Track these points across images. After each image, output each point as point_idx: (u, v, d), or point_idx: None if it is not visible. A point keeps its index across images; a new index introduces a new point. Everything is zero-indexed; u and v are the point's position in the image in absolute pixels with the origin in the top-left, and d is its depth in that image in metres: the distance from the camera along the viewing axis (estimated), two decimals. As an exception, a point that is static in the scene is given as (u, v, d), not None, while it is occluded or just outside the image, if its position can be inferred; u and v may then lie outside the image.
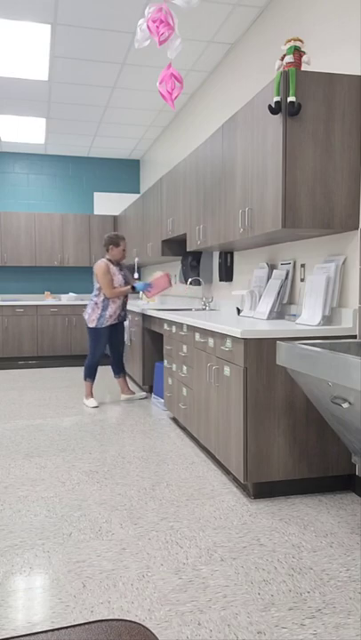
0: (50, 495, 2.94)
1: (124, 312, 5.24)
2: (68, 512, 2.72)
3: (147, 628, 1.71)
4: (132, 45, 4.77)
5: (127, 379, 6.20)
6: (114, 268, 5.10)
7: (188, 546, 2.36)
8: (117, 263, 5.19)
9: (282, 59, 2.99)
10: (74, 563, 2.21)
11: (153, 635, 1.68)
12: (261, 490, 2.90)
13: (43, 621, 1.80)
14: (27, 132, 7.34)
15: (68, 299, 8.26)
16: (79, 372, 7.35)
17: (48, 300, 8.24)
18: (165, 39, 2.79)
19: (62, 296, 8.36)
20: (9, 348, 7.87)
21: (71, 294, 8.33)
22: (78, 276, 8.76)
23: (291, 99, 2.81)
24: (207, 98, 5.50)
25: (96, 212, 8.72)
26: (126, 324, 6.37)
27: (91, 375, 5.25)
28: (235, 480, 3.14)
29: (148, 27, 2.81)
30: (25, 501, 2.85)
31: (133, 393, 5.42)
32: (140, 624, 1.76)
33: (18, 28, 4.48)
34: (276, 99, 2.86)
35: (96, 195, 8.74)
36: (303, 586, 2.04)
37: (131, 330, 6.18)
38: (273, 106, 2.87)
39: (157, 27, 2.82)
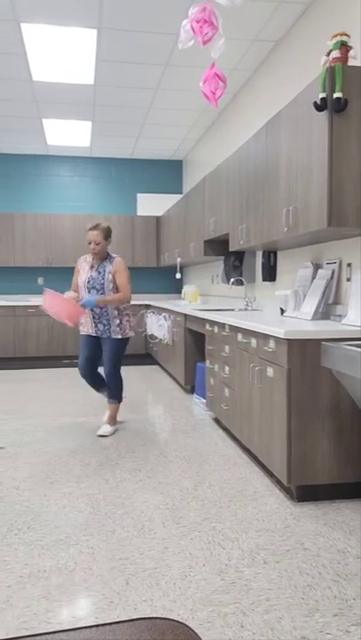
0: (94, 492, 2.98)
1: (102, 326, 4.17)
2: (111, 509, 2.75)
3: (190, 628, 1.71)
4: (175, 46, 4.79)
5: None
6: (82, 264, 4.25)
7: (230, 547, 2.35)
8: (95, 258, 4.19)
9: (328, 54, 2.94)
10: (117, 560, 2.24)
11: (196, 635, 1.68)
12: (305, 493, 2.86)
13: (87, 616, 1.83)
14: (73, 135, 7.48)
15: (111, 299, 8.36)
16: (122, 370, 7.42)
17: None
18: (209, 39, 2.79)
19: (106, 296, 8.47)
20: (54, 347, 8.04)
21: (114, 294, 8.42)
22: (121, 277, 8.85)
23: (337, 95, 2.76)
24: (251, 97, 5.46)
25: (139, 214, 8.80)
26: (166, 324, 6.38)
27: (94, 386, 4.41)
28: (278, 482, 3.10)
29: (192, 27, 2.81)
30: (70, 497, 2.91)
31: (116, 424, 4.35)
32: (183, 623, 1.77)
33: (65, 34, 4.57)
34: (322, 95, 2.81)
35: (139, 196, 8.82)
36: (349, 592, 1.99)
37: (173, 330, 6.20)
38: (318, 102, 2.82)
39: (201, 27, 2.81)
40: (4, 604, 1.91)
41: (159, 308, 7.12)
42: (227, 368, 3.92)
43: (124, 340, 4.24)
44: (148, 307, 8.12)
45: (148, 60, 5.12)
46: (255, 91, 5.32)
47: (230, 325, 3.82)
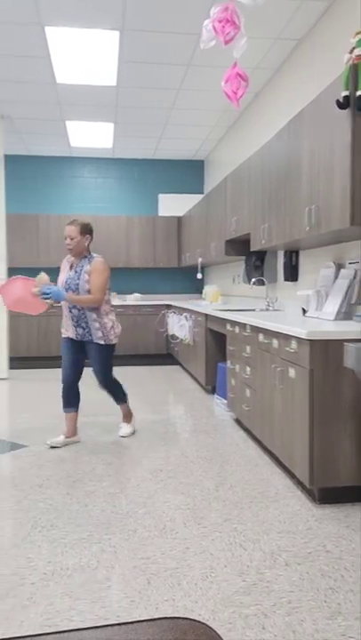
0: (115, 491, 3.00)
1: (82, 329, 3.90)
2: (133, 509, 2.77)
3: (212, 629, 1.71)
4: (197, 46, 4.79)
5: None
6: (64, 263, 4.04)
7: (251, 549, 2.34)
8: (75, 257, 3.94)
9: (350, 52, 2.91)
10: (139, 559, 2.25)
11: (218, 635, 1.68)
12: (327, 495, 2.83)
13: (109, 615, 1.85)
14: (95, 136, 7.54)
15: (132, 299, 8.41)
16: (142, 371, 7.46)
17: (114, 300, 8.43)
18: (231, 38, 2.78)
19: (127, 296, 8.52)
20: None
21: (136, 294, 8.47)
22: (143, 277, 8.89)
23: (360, 92, 2.73)
24: (273, 96, 5.43)
25: (161, 214, 8.82)
26: (187, 324, 6.38)
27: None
28: (299, 484, 3.08)
29: (214, 27, 2.81)
30: (92, 496, 2.93)
31: (75, 435, 4.01)
32: (205, 624, 1.77)
33: (88, 37, 4.61)
34: (345, 93, 2.78)
35: (161, 196, 8.84)
36: (372, 596, 1.97)
37: (194, 330, 6.20)
38: (341, 101, 2.79)
39: (223, 26, 2.81)
40: (28, 600, 1.94)
41: (180, 308, 7.13)
42: (248, 369, 3.91)
43: (107, 347, 3.92)
44: (169, 307, 8.14)
45: (171, 61, 5.13)
46: (277, 90, 5.29)
47: (252, 326, 3.80)
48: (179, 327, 6.93)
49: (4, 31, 4.51)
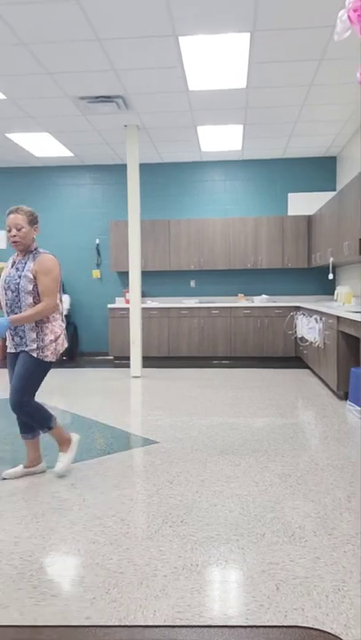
0: (243, 493, 3.01)
1: (18, 339, 3.21)
2: (261, 512, 2.75)
3: (343, 645, 1.65)
4: (330, 39, 4.64)
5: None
6: (9, 260, 3.35)
7: (388, 566, 2.21)
8: (19, 251, 3.27)
9: None
10: (267, 564, 2.23)
11: (350, 653, 1.61)
12: None
13: (237, 616, 1.86)
14: (225, 140, 7.63)
15: (260, 300, 8.36)
16: (270, 373, 7.37)
17: (241, 301, 8.45)
18: (369, 28, 2.64)
19: (255, 298, 8.49)
20: (204, 348, 8.28)
21: (264, 296, 8.41)
22: (271, 278, 8.80)
23: None
24: None
25: (290, 213, 8.67)
26: (317, 327, 6.18)
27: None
28: None
29: (349, 17, 2.69)
30: (220, 496, 2.97)
31: (39, 464, 3.39)
32: (339, 638, 1.71)
33: (219, 42, 4.68)
34: None
35: (290, 195, 8.68)
36: None
37: (324, 333, 6.00)
38: None
39: (359, 15, 2.68)
40: (161, 592, 2.02)
41: (310, 309, 6.93)
42: (385, 375, 3.69)
43: (38, 363, 3.16)
44: (298, 309, 7.97)
45: (302, 57, 5.02)
46: None
47: (389, 330, 3.58)
48: (308, 329, 6.75)
49: (141, 45, 4.74)
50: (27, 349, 3.16)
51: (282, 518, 2.68)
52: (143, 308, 8.22)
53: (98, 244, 9.03)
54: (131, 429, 4.46)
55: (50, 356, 3.20)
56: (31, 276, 3.14)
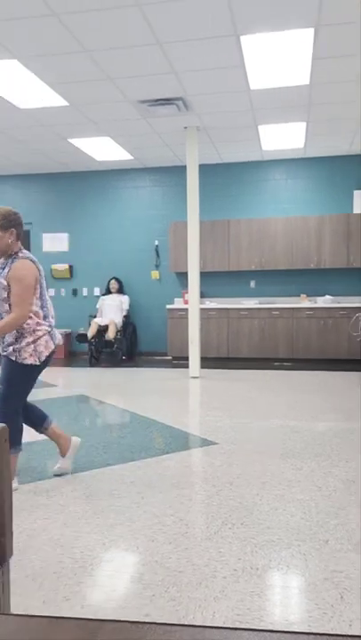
0: (305, 498, 2.93)
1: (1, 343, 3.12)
2: (323, 518, 2.67)
3: None
4: None
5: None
6: None
7: None
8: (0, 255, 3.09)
9: None
10: (330, 571, 2.16)
11: None
12: None
13: (299, 622, 1.81)
14: (287, 138, 7.50)
15: (324, 301, 8.15)
16: (333, 376, 7.17)
17: (304, 302, 8.27)
18: None
19: (318, 298, 8.29)
20: (265, 349, 8.16)
21: (327, 297, 8.19)
22: (336, 278, 8.56)
23: None
24: None
25: (356, 211, 8.40)
26: None
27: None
28: None
29: None
30: (281, 500, 2.91)
31: (71, 442, 3.38)
32: None
33: (282, 39, 4.60)
34: None
35: (356, 192, 8.42)
36: None
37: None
38: None
39: None
40: (220, 593, 2.00)
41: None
42: None
43: (18, 367, 3.01)
44: (362, 310, 7.71)
45: (368, 50, 4.85)
46: None
47: None
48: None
49: (202, 47, 4.74)
50: (6, 353, 3.04)
51: (346, 525, 2.59)
52: (202, 309, 8.21)
53: (157, 246, 9.12)
54: (189, 430, 4.46)
55: (29, 358, 3.00)
56: (5, 283, 2.96)
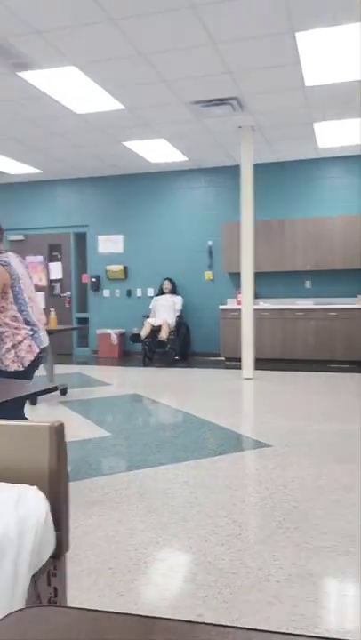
0: (362, 504, 2.85)
1: None
2: (382, 526, 2.59)
3: None
4: None
5: None
6: None
7: None
8: None
9: None
10: (389, 581, 2.09)
11: None
12: None
13: (355, 631, 1.76)
14: (343, 135, 7.32)
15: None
16: (393, 379, 6.93)
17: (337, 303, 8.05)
18: None
19: (376, 299, 8.04)
20: (320, 351, 7.99)
21: (385, 297, 7.93)
22: (394, 279, 8.28)
23: None
24: None
25: None
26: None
27: None
28: None
29: None
30: (337, 506, 2.84)
31: None
32: None
33: (337, 33, 4.49)
34: None
35: None
36: None
37: None
38: None
39: None
40: (274, 598, 1.98)
41: None
42: None
43: (4, 374, 2.91)
44: None
45: None
46: None
47: None
48: None
49: (257, 45, 4.70)
50: None
51: None
52: (255, 310, 8.12)
53: (210, 246, 9.11)
54: (242, 431, 4.43)
55: (12, 365, 2.91)
56: None
